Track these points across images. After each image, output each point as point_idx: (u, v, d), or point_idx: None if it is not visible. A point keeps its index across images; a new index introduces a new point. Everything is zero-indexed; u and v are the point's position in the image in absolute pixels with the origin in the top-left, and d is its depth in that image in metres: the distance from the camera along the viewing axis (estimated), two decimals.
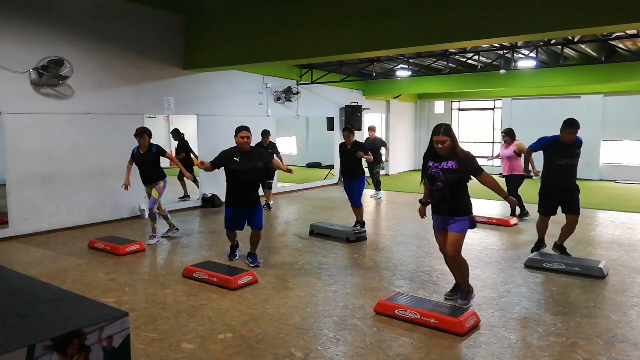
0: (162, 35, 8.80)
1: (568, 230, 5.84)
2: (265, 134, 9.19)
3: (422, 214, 4.70)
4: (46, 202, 7.37)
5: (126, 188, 6.72)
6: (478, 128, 16.77)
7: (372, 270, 5.64)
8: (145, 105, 8.66)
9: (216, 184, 10.02)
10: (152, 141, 6.62)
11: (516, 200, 4.27)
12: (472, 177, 4.33)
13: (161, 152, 6.62)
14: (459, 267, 4.44)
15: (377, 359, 3.48)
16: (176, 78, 9.12)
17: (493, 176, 4.49)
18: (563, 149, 5.65)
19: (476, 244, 6.76)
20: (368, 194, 11.92)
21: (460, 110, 17.18)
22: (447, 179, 4.22)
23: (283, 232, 7.72)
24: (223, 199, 9.96)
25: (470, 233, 7.40)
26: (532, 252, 6.00)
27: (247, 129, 5.54)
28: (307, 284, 5.09)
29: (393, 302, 4.25)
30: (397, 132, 16.48)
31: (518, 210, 8.40)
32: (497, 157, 8.88)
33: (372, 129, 11.14)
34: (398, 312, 4.12)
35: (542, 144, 5.85)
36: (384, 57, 11.17)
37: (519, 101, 15.49)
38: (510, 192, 8.00)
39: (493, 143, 16.27)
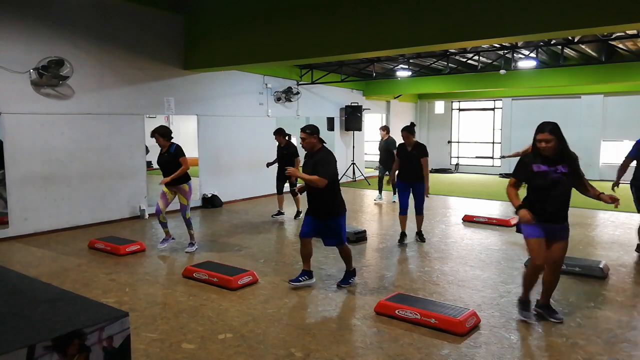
0: (162, 35, 8.80)
1: None
2: (279, 132, 8.44)
3: (531, 218, 3.86)
4: (46, 202, 7.37)
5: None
6: (478, 128, 16.78)
7: (372, 270, 5.64)
8: (145, 105, 8.66)
9: (216, 184, 10.04)
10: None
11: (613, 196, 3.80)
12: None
13: (177, 153, 6.22)
14: (557, 279, 4.11)
15: (377, 359, 3.48)
16: (176, 78, 9.12)
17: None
18: None
19: (476, 244, 6.76)
20: (371, 195, 11.93)
21: (460, 110, 17.18)
22: (573, 183, 3.87)
23: (283, 232, 7.71)
24: (223, 199, 10.02)
25: (470, 233, 7.46)
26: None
27: (303, 128, 4.88)
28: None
29: (393, 302, 4.25)
30: (397, 132, 16.45)
31: None
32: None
33: (383, 129, 10.52)
34: (398, 312, 4.11)
35: (637, 146, 5.72)
36: (384, 57, 11.18)
37: (519, 101, 15.50)
38: None
39: (493, 143, 16.27)
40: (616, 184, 6.04)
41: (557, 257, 3.99)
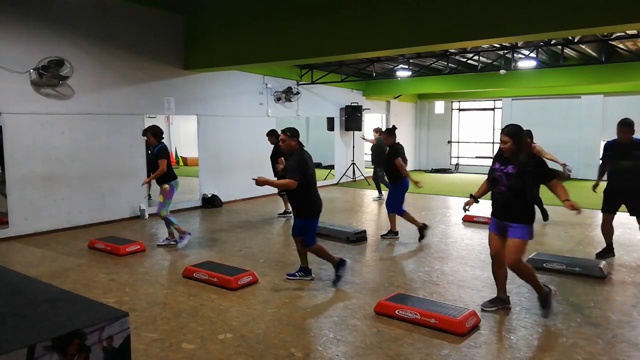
0: (162, 35, 8.80)
1: None
2: (271, 134, 8.61)
3: (467, 205, 4.43)
4: (46, 202, 7.37)
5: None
6: (478, 128, 16.79)
7: (372, 270, 5.64)
8: (145, 105, 8.66)
9: (216, 184, 10.04)
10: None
11: (576, 204, 3.86)
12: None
13: (158, 154, 6.31)
14: (523, 275, 4.10)
15: (377, 359, 3.48)
16: (176, 78, 9.12)
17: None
18: (621, 151, 5.57)
19: (476, 244, 6.76)
20: (371, 195, 11.94)
21: (460, 110, 17.18)
22: (511, 184, 3.97)
23: (283, 232, 7.71)
24: (223, 199, 10.03)
25: (470, 233, 7.45)
26: (597, 257, 5.89)
27: (283, 130, 5.02)
28: (307, 284, 5.09)
29: (393, 302, 4.25)
30: (397, 132, 16.46)
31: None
32: None
33: (376, 131, 10.99)
34: (398, 312, 4.11)
35: (605, 149, 5.80)
36: (384, 57, 11.18)
37: (519, 101, 15.50)
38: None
39: (493, 143, 16.28)
40: (597, 184, 6.08)
41: (507, 253, 4.11)
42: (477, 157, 16.65)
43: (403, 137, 16.89)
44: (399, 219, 7.03)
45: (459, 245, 6.71)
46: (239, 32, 8.10)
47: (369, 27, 6.62)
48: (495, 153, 4.29)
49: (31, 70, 7.02)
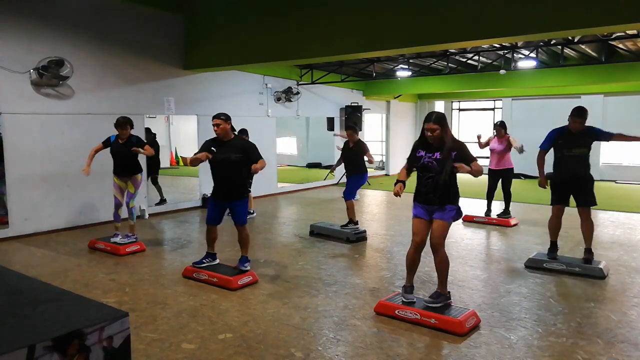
0: (162, 35, 8.79)
1: (585, 229, 5.58)
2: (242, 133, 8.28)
3: (400, 191, 4.19)
4: (46, 202, 7.37)
5: (87, 174, 6.45)
6: (478, 128, 16.77)
7: (372, 270, 5.64)
8: (145, 105, 8.66)
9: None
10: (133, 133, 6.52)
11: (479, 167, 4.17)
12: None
13: (140, 142, 6.40)
14: (440, 260, 4.15)
15: (377, 359, 3.48)
16: (176, 78, 9.12)
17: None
18: (572, 139, 5.52)
19: (476, 244, 6.76)
20: (371, 195, 11.92)
21: (460, 110, 17.18)
22: (441, 169, 4.08)
23: (283, 232, 7.72)
24: None
25: (470, 233, 7.45)
26: (548, 256, 5.63)
27: (217, 115, 5.07)
28: (307, 283, 5.09)
29: (393, 302, 4.25)
30: (397, 132, 16.48)
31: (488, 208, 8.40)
32: (486, 144, 8.44)
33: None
34: (398, 312, 4.12)
35: (552, 137, 5.61)
36: (384, 57, 11.17)
37: (519, 101, 15.49)
38: (503, 187, 8.27)
39: None
40: (544, 181, 5.79)
41: (434, 235, 4.13)
42: (476, 157, 16.63)
43: (403, 137, 16.92)
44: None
45: (459, 245, 6.71)
46: (239, 32, 8.09)
47: (369, 27, 6.62)
48: (415, 141, 4.32)
49: (31, 70, 7.02)
